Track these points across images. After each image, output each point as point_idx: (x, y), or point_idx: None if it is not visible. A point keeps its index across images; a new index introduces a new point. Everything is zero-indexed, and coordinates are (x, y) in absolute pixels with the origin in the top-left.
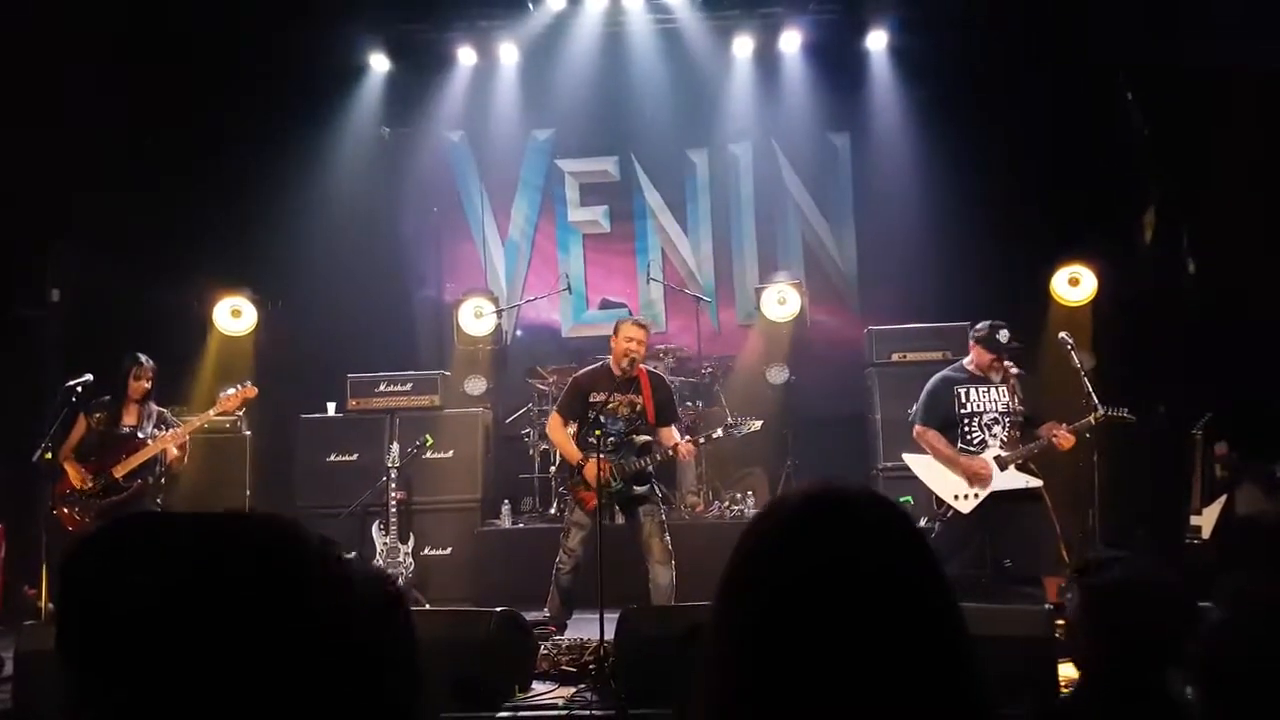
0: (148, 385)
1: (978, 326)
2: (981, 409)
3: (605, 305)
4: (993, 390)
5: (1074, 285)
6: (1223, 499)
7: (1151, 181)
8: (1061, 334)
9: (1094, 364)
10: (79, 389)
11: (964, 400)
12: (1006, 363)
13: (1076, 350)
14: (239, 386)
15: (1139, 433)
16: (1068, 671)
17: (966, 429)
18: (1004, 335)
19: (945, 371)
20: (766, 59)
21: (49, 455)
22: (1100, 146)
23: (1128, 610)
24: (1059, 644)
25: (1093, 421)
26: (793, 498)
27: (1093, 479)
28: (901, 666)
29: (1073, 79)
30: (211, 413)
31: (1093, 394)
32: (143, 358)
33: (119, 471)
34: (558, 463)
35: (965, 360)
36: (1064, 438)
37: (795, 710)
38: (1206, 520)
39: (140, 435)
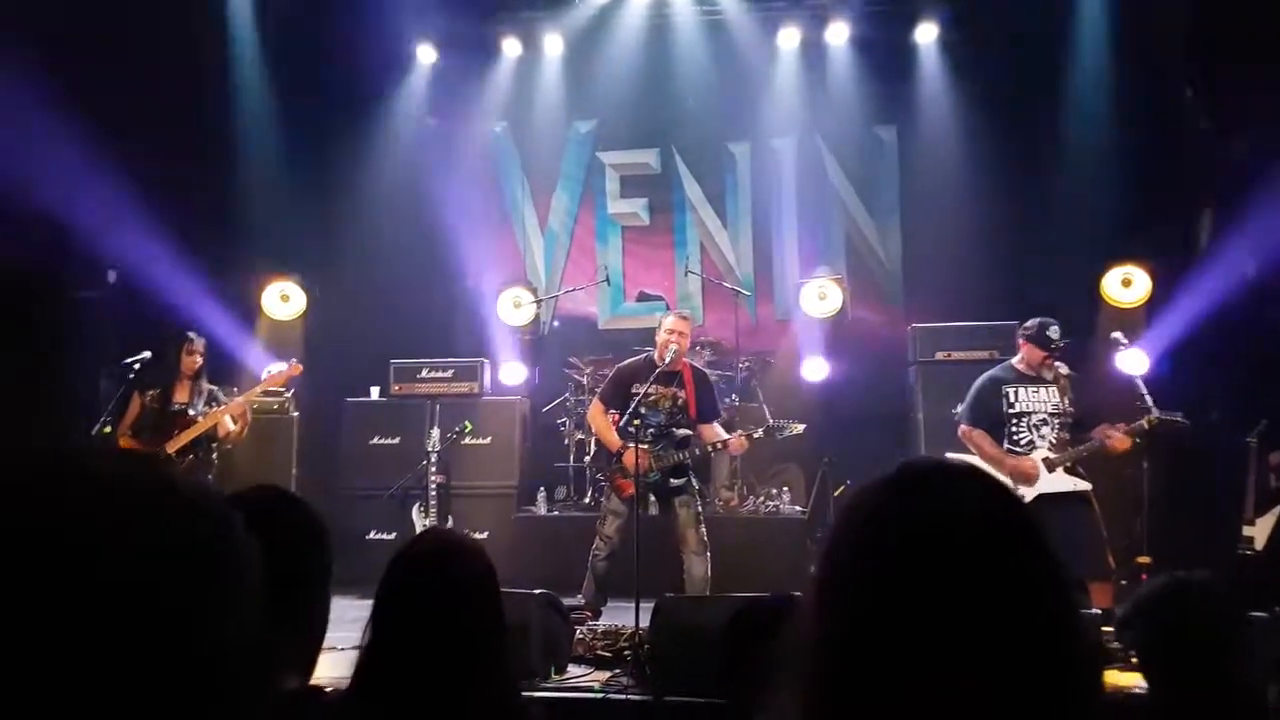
0: (199, 360)
1: (1027, 324)
2: (1030, 409)
3: (643, 298)
4: (1042, 390)
5: (1126, 286)
6: (1277, 509)
7: (1210, 180)
8: (1115, 334)
9: (1147, 368)
10: (136, 366)
11: (1012, 400)
12: (1058, 363)
13: (1128, 352)
14: (286, 364)
15: (1191, 440)
16: (1113, 678)
17: (1014, 429)
18: (1054, 332)
19: (993, 371)
20: (812, 51)
21: (107, 430)
22: (1157, 143)
23: (1175, 615)
24: (1106, 651)
25: (1146, 425)
26: (890, 471)
27: (1142, 486)
28: (1010, 631)
29: (1129, 73)
30: (258, 389)
31: (1147, 396)
32: (192, 334)
33: (171, 448)
34: (593, 452)
35: (1014, 359)
36: (1118, 439)
37: (905, 683)
38: (1260, 530)
39: (191, 412)
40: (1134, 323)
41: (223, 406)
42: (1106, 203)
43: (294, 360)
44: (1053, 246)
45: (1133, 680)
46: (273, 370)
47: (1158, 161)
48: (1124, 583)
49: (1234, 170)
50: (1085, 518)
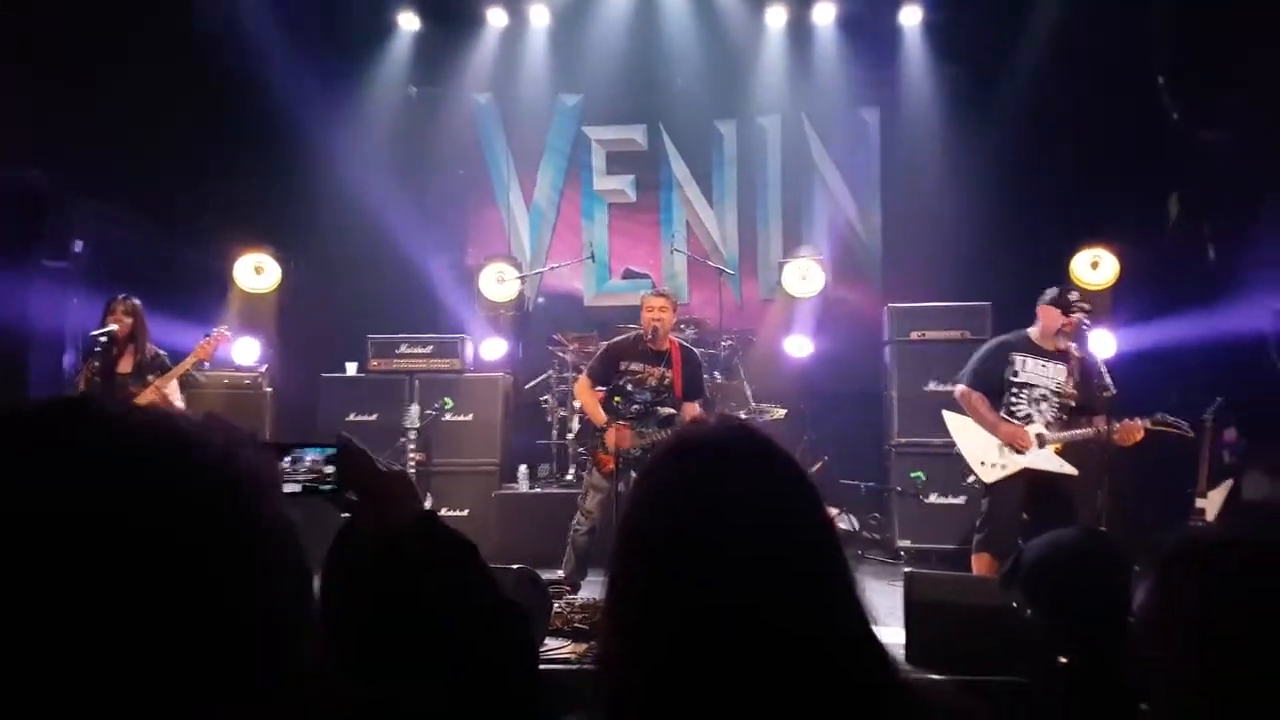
0: (128, 321)
1: (1046, 291)
2: (1034, 381)
3: (628, 275)
4: (1049, 366)
5: (1095, 268)
6: (1228, 483)
7: (1179, 167)
8: (1076, 315)
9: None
10: (104, 339)
11: (1017, 368)
12: (1072, 344)
13: (1093, 333)
14: (209, 333)
15: (1149, 416)
16: None
17: (1013, 399)
18: (1075, 294)
19: (1004, 336)
20: (799, 31)
21: None
22: (1129, 130)
23: (1057, 581)
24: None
25: (1149, 425)
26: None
27: (1103, 460)
28: (777, 593)
29: (1104, 60)
30: (189, 362)
31: (1106, 375)
32: (120, 295)
33: None
34: (576, 429)
35: (1030, 329)
36: (1133, 427)
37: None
38: (1212, 503)
39: (132, 386)
40: (1101, 304)
41: (154, 385)
42: (1079, 187)
43: (221, 328)
44: (1027, 229)
45: None
46: (202, 340)
47: (1129, 148)
48: None
49: (1202, 158)
50: (1065, 511)
